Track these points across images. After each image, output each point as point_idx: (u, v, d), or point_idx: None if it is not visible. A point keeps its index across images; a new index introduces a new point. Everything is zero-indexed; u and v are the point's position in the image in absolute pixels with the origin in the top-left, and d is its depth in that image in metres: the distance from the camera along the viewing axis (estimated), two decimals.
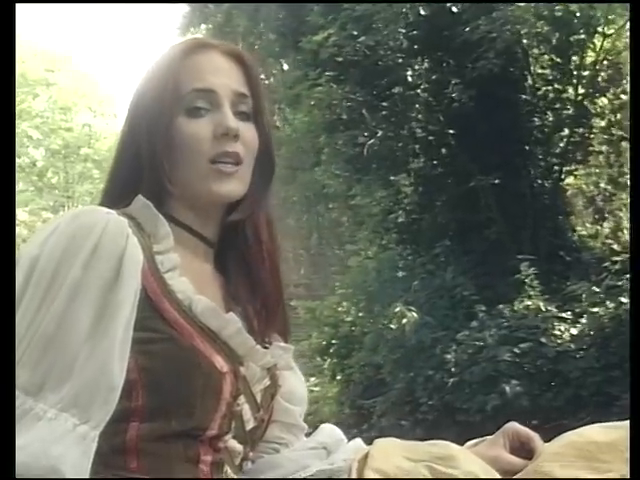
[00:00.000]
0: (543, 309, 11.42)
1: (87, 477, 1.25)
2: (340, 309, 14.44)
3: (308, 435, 1.67)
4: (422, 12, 11.86)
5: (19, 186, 29.34)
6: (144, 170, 1.44)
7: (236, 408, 1.44)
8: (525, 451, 1.49)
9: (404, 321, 11.87)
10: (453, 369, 11.64)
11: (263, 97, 1.52)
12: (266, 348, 1.51)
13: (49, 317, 1.26)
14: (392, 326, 12.09)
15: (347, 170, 12.77)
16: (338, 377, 14.31)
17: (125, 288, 1.30)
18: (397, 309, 11.87)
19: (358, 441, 1.62)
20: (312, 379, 15.99)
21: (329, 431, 1.66)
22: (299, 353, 15.73)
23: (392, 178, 12.35)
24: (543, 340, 11.17)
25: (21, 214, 29.76)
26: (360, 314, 13.97)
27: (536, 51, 12.78)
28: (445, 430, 10.36)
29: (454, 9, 11.95)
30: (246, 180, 1.47)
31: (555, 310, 11.35)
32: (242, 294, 1.53)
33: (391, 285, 12.66)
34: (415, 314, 11.86)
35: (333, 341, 14.18)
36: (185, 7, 21.74)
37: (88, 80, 29.23)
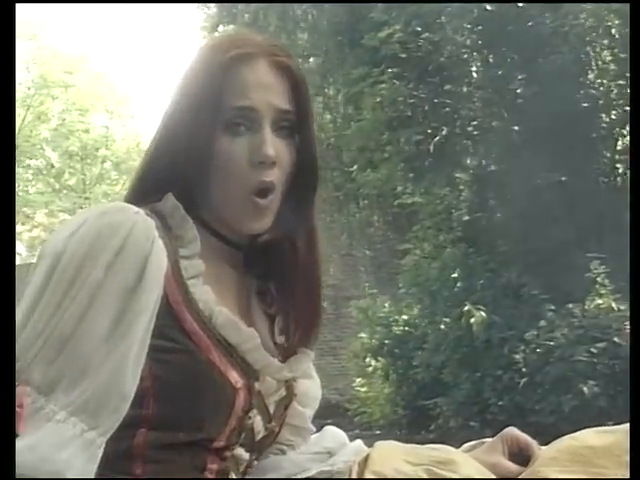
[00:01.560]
0: (615, 308, 11.09)
1: None
2: (393, 309, 14.03)
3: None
4: (488, 7, 11.48)
5: (37, 188, 28.92)
6: (181, 178, 1.37)
7: (247, 421, 1.39)
8: (523, 457, 1.46)
9: (472, 320, 11.52)
10: (524, 369, 11.29)
11: (309, 112, 1.42)
12: (288, 351, 1.45)
13: (67, 317, 1.22)
14: (459, 325, 11.75)
15: (404, 169, 12.39)
16: (392, 377, 13.91)
17: (146, 295, 1.26)
18: (465, 308, 11.51)
19: (359, 443, 1.58)
20: (358, 379, 15.65)
21: (334, 435, 1.60)
22: (352, 353, 15.40)
23: (457, 175, 11.95)
24: (617, 340, 10.85)
25: (39, 216, 29.37)
26: (415, 313, 13.59)
27: (599, 46, 12.42)
28: None
29: (520, 4, 11.56)
30: (275, 208, 1.40)
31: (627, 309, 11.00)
32: (275, 304, 1.48)
33: (454, 284, 12.28)
34: (483, 313, 11.50)
35: (386, 341, 13.77)
36: (213, 7, 21.34)
37: (105, 81, 28.81)
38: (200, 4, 21.70)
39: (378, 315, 14.09)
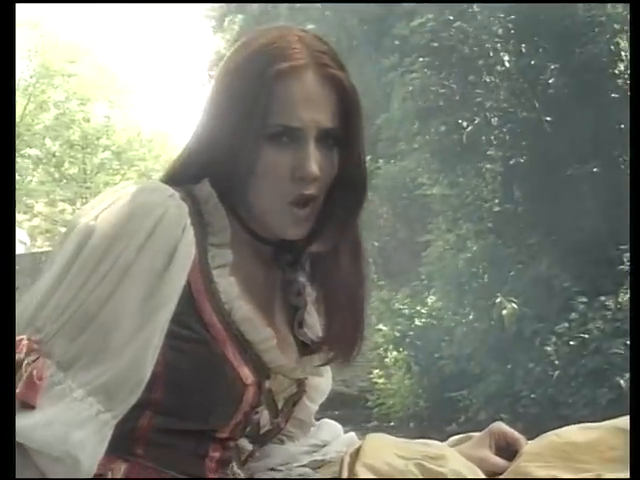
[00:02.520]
0: None
1: (99, 465, 1.21)
2: (414, 300, 13.81)
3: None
4: None
5: (40, 177, 28.56)
6: (219, 173, 1.35)
7: (253, 416, 1.38)
8: (511, 452, 1.45)
9: (504, 312, 11.30)
10: (556, 362, 11.09)
11: (358, 126, 1.37)
12: (308, 348, 1.43)
13: (95, 295, 1.20)
14: (489, 317, 11.54)
15: (433, 159, 12.14)
16: (414, 369, 13.68)
17: (173, 283, 1.24)
18: (497, 300, 11.29)
19: (352, 435, 1.59)
20: (377, 371, 15.42)
21: (330, 428, 1.60)
22: (373, 345, 15.16)
23: (488, 166, 11.72)
24: None
25: (39, 206, 29.01)
26: (439, 305, 13.37)
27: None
28: (548, 424, 9.81)
29: None
30: (314, 217, 1.37)
31: None
32: (297, 282, 1.44)
33: (483, 276, 12.06)
34: (515, 305, 11.28)
35: (409, 333, 13.54)
36: None
37: (107, 71, 28.48)
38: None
39: (398, 307, 13.85)
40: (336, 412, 20.73)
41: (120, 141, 29.13)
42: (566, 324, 11.21)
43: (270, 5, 20.45)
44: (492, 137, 11.88)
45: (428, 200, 13.80)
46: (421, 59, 11.54)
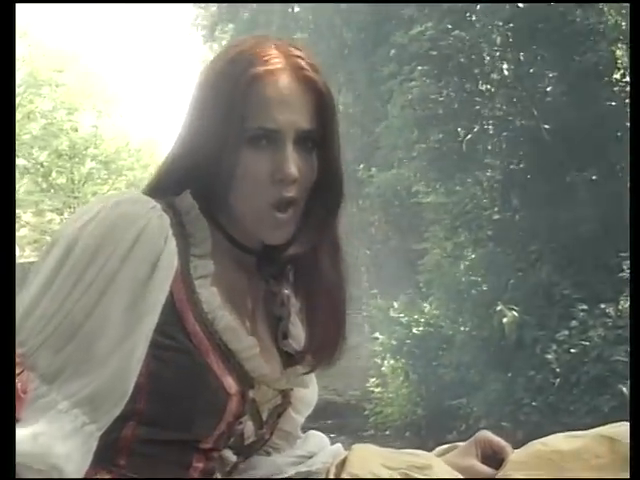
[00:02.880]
0: None
1: (83, 477, 1.20)
2: (412, 308, 13.76)
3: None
4: (520, 5, 11.22)
5: (27, 187, 28.34)
6: (200, 181, 1.35)
7: (237, 427, 1.37)
8: (497, 460, 1.45)
9: (505, 320, 11.26)
10: (557, 369, 11.05)
11: (334, 127, 1.37)
12: (292, 359, 1.42)
13: (79, 306, 1.20)
14: (489, 325, 11.50)
15: (432, 167, 12.09)
16: (412, 377, 13.63)
17: (156, 291, 1.25)
18: (498, 308, 11.25)
19: (338, 446, 1.56)
20: (372, 380, 15.36)
21: (317, 439, 1.58)
22: (371, 353, 15.08)
23: (487, 174, 11.69)
24: None
25: (26, 216, 28.80)
26: (435, 312, 13.32)
27: (624, 45, 12.18)
28: (549, 432, 9.75)
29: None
30: (296, 220, 1.36)
31: None
32: (280, 294, 1.43)
33: (482, 284, 12.02)
34: (515, 313, 11.24)
35: (407, 341, 13.49)
36: (213, 6, 20.96)
37: (94, 80, 28.29)
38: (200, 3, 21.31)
39: (395, 315, 13.79)
40: (329, 421, 20.65)
41: (108, 150, 28.91)
42: (566, 332, 11.18)
43: (262, 14, 20.41)
44: (491, 145, 11.87)
45: (423, 208, 13.77)
46: (420, 67, 11.49)
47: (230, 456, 1.41)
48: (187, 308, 1.31)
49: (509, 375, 11.50)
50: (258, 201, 1.34)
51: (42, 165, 27.89)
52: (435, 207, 13.37)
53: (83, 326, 1.20)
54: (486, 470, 1.45)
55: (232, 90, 1.33)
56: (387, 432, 14.36)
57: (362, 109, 19.03)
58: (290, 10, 20.66)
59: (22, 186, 28.52)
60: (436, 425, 12.78)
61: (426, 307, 13.63)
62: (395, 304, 14.31)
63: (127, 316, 1.22)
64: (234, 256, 1.40)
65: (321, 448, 1.56)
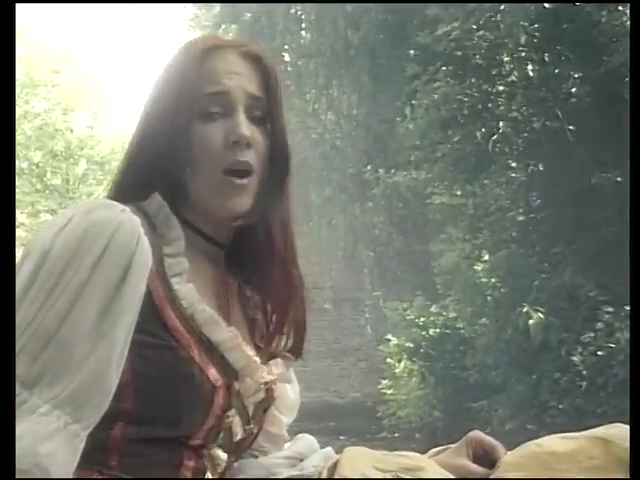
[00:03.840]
0: None
1: (71, 477, 1.22)
2: (429, 310, 13.56)
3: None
4: (546, 5, 11.04)
5: (22, 188, 28.00)
6: (163, 172, 1.38)
7: (225, 421, 1.38)
8: (488, 460, 1.44)
9: (530, 322, 11.07)
10: (584, 372, 10.88)
11: (279, 100, 1.43)
12: (271, 355, 1.45)
13: (53, 313, 1.22)
14: (513, 326, 11.32)
15: (451, 170, 11.89)
16: (429, 379, 13.42)
17: (131, 292, 1.26)
18: (524, 309, 11.06)
19: (329, 449, 1.54)
20: (384, 381, 15.15)
21: (305, 441, 1.57)
22: (387, 354, 14.86)
23: (513, 175, 11.51)
24: None
25: (21, 216, 28.44)
26: (452, 315, 13.13)
27: None
28: None
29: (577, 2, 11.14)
30: (254, 191, 1.40)
31: None
32: (254, 297, 1.47)
33: (505, 285, 11.82)
34: (541, 315, 11.06)
35: (423, 343, 13.29)
36: (216, 7, 20.71)
37: (90, 81, 28.00)
38: (204, 4, 21.03)
39: (412, 317, 13.59)
40: (330, 423, 20.36)
41: (104, 151, 28.63)
42: (592, 334, 11.01)
43: (264, 15, 20.18)
44: (515, 146, 11.67)
45: (438, 210, 13.58)
46: (444, 68, 11.29)
47: (220, 454, 1.40)
48: (166, 305, 1.33)
49: (534, 377, 11.32)
50: (214, 169, 1.37)
51: (37, 166, 27.57)
52: (451, 208, 13.20)
53: (58, 332, 1.22)
54: (477, 469, 1.44)
55: (181, 68, 1.39)
56: (401, 434, 14.16)
57: (367, 110, 18.86)
58: (293, 11, 20.44)
59: (18, 187, 28.17)
60: (454, 427, 12.58)
61: (443, 309, 13.43)
62: (404, 305, 14.11)
63: (102, 318, 1.24)
64: (207, 252, 1.43)
65: (310, 450, 1.55)
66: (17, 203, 27.63)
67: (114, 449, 1.31)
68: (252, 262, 1.47)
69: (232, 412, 1.39)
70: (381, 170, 18.06)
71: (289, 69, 20.11)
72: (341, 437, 16.07)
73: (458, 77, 11.39)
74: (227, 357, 1.37)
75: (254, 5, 20.19)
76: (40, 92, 27.28)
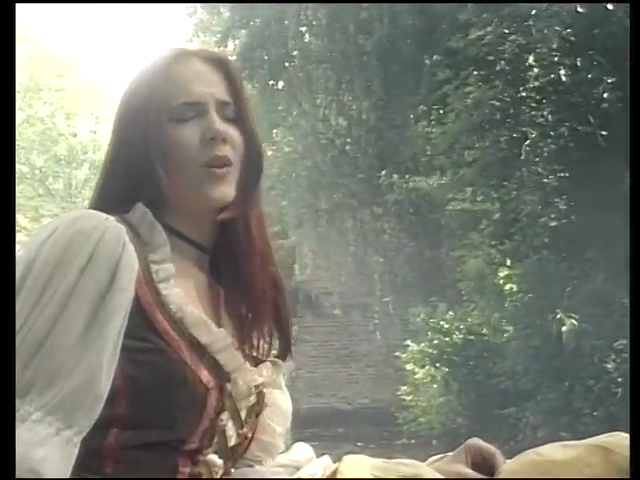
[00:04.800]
0: None
1: None
2: (453, 316, 13.34)
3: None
4: (579, 9, 10.86)
5: (25, 192, 27.70)
6: (140, 179, 1.40)
7: (219, 423, 1.38)
8: (487, 467, 1.42)
9: (564, 329, 10.86)
10: (619, 379, 10.67)
11: (245, 101, 1.46)
12: (259, 362, 1.45)
13: (41, 321, 1.23)
14: (544, 333, 11.10)
15: (485, 174, 11.67)
16: (452, 386, 13.20)
17: (118, 297, 1.27)
18: (558, 316, 10.85)
19: (326, 458, 1.53)
20: (404, 388, 14.91)
21: (301, 450, 1.57)
22: (406, 360, 14.61)
23: (545, 181, 11.30)
24: None
25: (23, 221, 28.13)
26: (476, 321, 12.91)
27: None
28: None
29: (609, 6, 10.95)
30: (234, 182, 1.42)
31: None
32: (234, 299, 1.47)
33: (535, 291, 11.61)
34: (575, 321, 10.85)
35: (447, 349, 13.06)
36: (226, 12, 20.45)
37: (93, 85, 27.74)
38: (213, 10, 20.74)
39: (435, 322, 13.37)
40: (339, 430, 20.06)
41: None
42: (624, 341, 10.79)
43: (274, 19, 19.94)
44: (545, 150, 11.45)
45: (463, 215, 13.37)
46: (475, 72, 11.08)
47: (215, 460, 1.39)
48: (155, 310, 1.33)
49: (566, 384, 11.11)
50: (194, 166, 1.38)
51: (40, 170, 27.30)
52: (472, 214, 12.99)
53: (47, 339, 1.21)
54: (475, 476, 1.42)
55: (149, 81, 1.41)
56: (420, 440, 13.93)
57: (377, 116, 18.65)
58: (303, 16, 20.21)
59: (20, 191, 27.87)
60: (479, 434, 12.34)
61: (466, 315, 13.21)
62: (426, 310, 13.89)
63: (90, 324, 1.23)
64: (192, 258, 1.44)
65: (306, 458, 1.55)
66: (19, 207, 27.33)
67: (109, 456, 1.30)
68: (232, 262, 1.47)
69: (225, 415, 1.38)
70: (395, 176, 17.86)
71: (300, 74, 19.86)
72: (359, 443, 15.88)
73: (489, 82, 11.17)
74: (218, 359, 1.36)
75: (265, 10, 19.94)
76: (43, 96, 27.00)
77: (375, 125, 19.01)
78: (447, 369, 13.13)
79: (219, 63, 1.45)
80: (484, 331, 12.84)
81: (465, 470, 1.43)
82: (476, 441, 1.48)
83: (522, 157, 11.03)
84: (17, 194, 27.63)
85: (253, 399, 1.44)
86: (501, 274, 12.12)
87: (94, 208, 1.41)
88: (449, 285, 14.04)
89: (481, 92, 11.02)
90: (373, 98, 18.47)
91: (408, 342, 14.22)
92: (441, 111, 11.68)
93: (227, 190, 1.41)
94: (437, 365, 13.30)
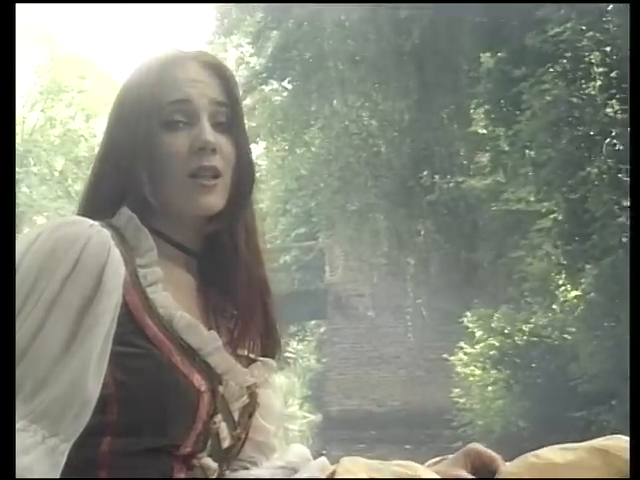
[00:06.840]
0: None
1: None
2: (515, 318, 12.91)
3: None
4: None
5: (46, 194, 27.27)
6: (127, 183, 1.34)
7: (212, 426, 1.33)
8: (487, 472, 1.37)
9: None
10: None
11: (240, 107, 1.42)
12: (250, 361, 1.41)
13: (24, 329, 1.19)
14: (619, 335, 10.67)
15: (560, 173, 11.24)
16: (515, 388, 12.78)
17: (104, 302, 1.22)
18: None
19: (323, 459, 1.46)
20: (456, 390, 14.48)
21: (298, 451, 1.51)
22: (459, 363, 14.15)
23: (622, 178, 10.87)
24: None
25: (40, 221, 27.67)
26: (541, 322, 12.48)
27: None
28: None
29: None
30: (225, 193, 1.37)
31: None
32: (221, 304, 1.43)
33: (605, 292, 11.21)
34: None
35: (509, 351, 12.64)
36: (259, 13, 20.01)
37: (112, 86, 27.27)
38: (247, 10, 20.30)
39: (496, 325, 12.95)
40: (372, 432, 19.52)
41: None
42: None
43: (306, 21, 19.53)
44: (624, 150, 11.03)
45: (517, 215, 12.97)
46: (552, 69, 10.66)
47: (210, 464, 1.34)
48: (143, 314, 1.28)
49: None
50: (181, 175, 1.33)
51: (60, 172, 26.85)
52: (528, 214, 12.61)
53: (30, 348, 1.18)
54: (473, 478, 1.37)
55: (143, 81, 1.36)
56: (457, 444, 13.50)
57: (413, 116, 18.24)
58: (337, 18, 19.75)
59: (42, 193, 27.45)
60: (545, 438, 11.97)
61: (531, 317, 12.80)
62: (488, 312, 13.48)
63: (75, 330, 1.19)
64: (180, 261, 1.39)
65: (302, 459, 1.49)
66: (41, 209, 26.89)
67: (103, 464, 1.25)
68: (218, 270, 1.42)
69: (218, 417, 1.34)
70: (436, 176, 17.44)
71: (332, 75, 19.43)
72: (407, 446, 15.45)
73: (566, 79, 10.75)
74: (209, 361, 1.32)
75: (298, 11, 19.51)
76: (64, 98, 26.55)
77: (410, 125, 18.61)
78: (508, 371, 12.69)
79: (216, 68, 1.40)
80: (546, 333, 12.41)
81: (463, 473, 1.37)
82: (476, 446, 1.41)
83: (602, 155, 10.59)
84: (38, 196, 27.17)
85: (246, 400, 1.40)
86: (566, 275, 11.70)
87: (82, 209, 1.37)
88: (500, 286, 13.64)
89: (558, 89, 10.58)
90: (409, 99, 18.08)
91: (462, 344, 13.79)
92: (515, 111, 11.21)
93: (214, 200, 1.35)
94: (498, 367, 12.86)
